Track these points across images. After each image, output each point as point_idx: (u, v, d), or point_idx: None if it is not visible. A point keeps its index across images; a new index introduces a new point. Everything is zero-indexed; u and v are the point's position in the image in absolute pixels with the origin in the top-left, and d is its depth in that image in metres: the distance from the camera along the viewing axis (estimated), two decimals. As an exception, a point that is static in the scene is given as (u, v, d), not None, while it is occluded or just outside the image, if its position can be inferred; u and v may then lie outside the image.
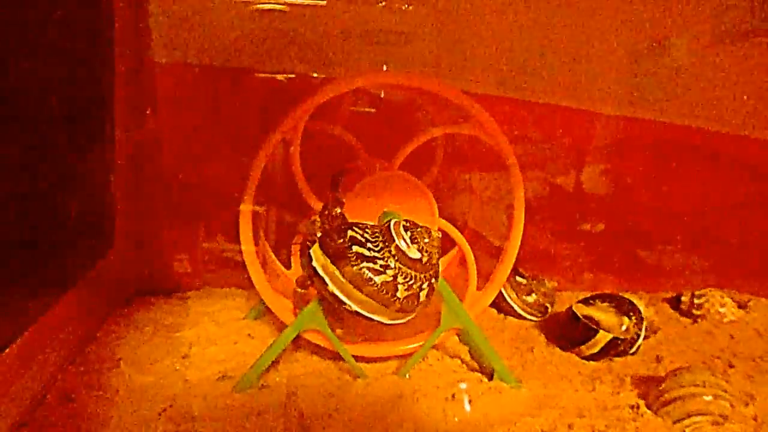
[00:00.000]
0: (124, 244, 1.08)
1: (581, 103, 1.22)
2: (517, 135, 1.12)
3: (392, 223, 0.77)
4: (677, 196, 1.30)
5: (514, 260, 0.97)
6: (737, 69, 1.24)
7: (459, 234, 0.97)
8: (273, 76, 1.11)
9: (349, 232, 0.76)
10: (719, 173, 1.30)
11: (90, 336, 0.95)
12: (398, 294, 0.74)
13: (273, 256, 1.02)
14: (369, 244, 0.75)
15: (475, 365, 0.94)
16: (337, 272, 0.74)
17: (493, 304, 1.15)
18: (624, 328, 0.99)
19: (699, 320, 1.19)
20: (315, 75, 1.12)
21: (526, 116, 1.21)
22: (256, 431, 0.74)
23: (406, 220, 0.78)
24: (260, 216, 1.02)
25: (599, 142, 1.25)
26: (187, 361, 0.90)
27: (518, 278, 1.17)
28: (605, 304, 1.03)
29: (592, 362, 0.99)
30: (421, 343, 0.92)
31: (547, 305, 1.17)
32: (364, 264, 0.74)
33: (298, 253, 0.83)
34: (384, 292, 0.74)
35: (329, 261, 0.74)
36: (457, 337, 1.01)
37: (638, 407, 0.83)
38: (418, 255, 0.76)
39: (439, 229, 0.93)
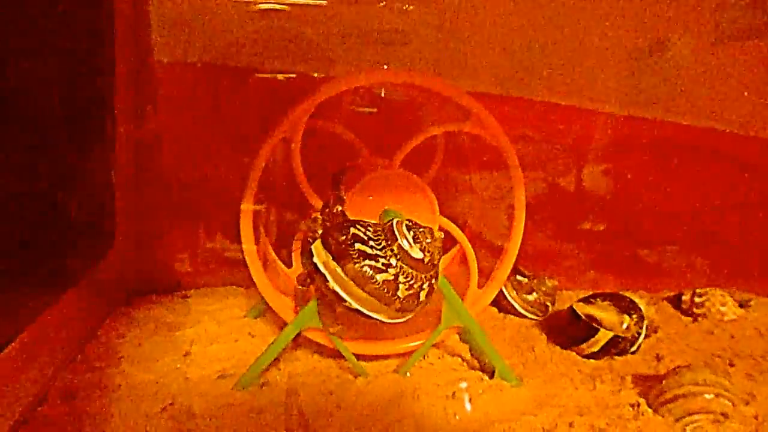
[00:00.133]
0: (124, 243, 1.08)
1: (582, 102, 1.22)
2: (517, 134, 1.12)
3: (395, 222, 0.77)
4: (678, 195, 1.30)
5: (514, 259, 0.97)
6: (738, 68, 1.24)
7: (460, 232, 0.97)
8: (274, 75, 1.12)
9: (352, 230, 0.76)
10: (720, 172, 1.30)
11: (91, 334, 0.95)
12: (399, 293, 0.74)
13: (274, 255, 1.02)
14: (371, 242, 0.75)
15: (476, 363, 0.95)
16: (338, 269, 0.74)
17: (494, 303, 1.15)
18: (625, 326, 0.99)
19: (700, 319, 1.19)
20: (315, 75, 1.12)
21: (527, 115, 1.21)
22: (256, 429, 0.74)
23: (409, 220, 0.79)
24: (261, 215, 1.02)
25: (600, 141, 1.25)
26: (187, 359, 0.90)
27: (519, 277, 1.17)
28: (606, 302, 1.03)
29: (592, 361, 0.99)
30: (421, 342, 0.92)
31: (548, 304, 1.17)
32: (366, 262, 0.74)
33: (299, 251, 0.83)
34: (385, 290, 0.74)
35: (331, 258, 0.74)
36: (457, 336, 1.02)
37: (639, 406, 0.83)
38: (420, 255, 0.76)
39: (440, 228, 0.94)
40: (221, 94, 1.12)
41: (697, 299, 1.21)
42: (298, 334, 0.85)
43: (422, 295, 0.77)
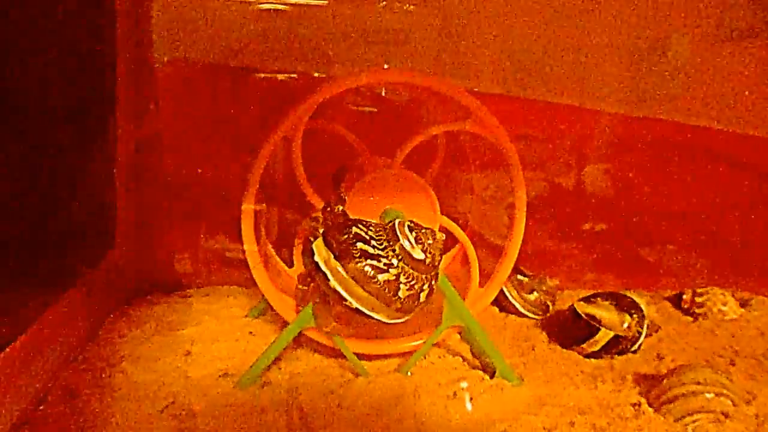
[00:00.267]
0: (125, 243, 1.08)
1: (583, 102, 1.22)
2: (518, 133, 1.12)
3: (397, 222, 0.77)
4: (679, 195, 1.29)
5: (515, 258, 0.97)
6: (740, 67, 1.24)
7: (461, 231, 0.97)
8: (274, 75, 1.12)
9: (354, 229, 0.76)
10: (721, 171, 1.30)
11: (92, 334, 0.95)
12: (400, 293, 0.74)
13: (275, 255, 1.02)
14: (373, 242, 0.75)
15: (477, 363, 0.95)
16: (339, 267, 0.74)
17: (495, 302, 1.15)
18: (626, 326, 0.99)
19: (700, 319, 1.19)
20: (316, 74, 1.12)
21: (528, 114, 1.21)
22: (257, 428, 0.74)
23: (411, 221, 0.79)
24: (262, 214, 1.02)
25: (601, 140, 1.25)
26: (188, 358, 0.90)
27: (520, 276, 1.17)
28: (607, 302, 1.03)
29: (593, 360, 0.99)
30: (422, 341, 0.92)
31: (549, 303, 1.17)
32: (368, 261, 0.74)
33: (301, 250, 0.83)
34: (386, 290, 0.74)
35: (332, 256, 0.74)
36: (458, 335, 1.02)
37: (640, 405, 0.83)
38: (422, 256, 0.76)
39: (441, 227, 0.94)
40: (222, 94, 1.12)
41: (697, 299, 1.21)
42: (300, 334, 0.86)
43: (422, 296, 0.77)
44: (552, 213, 1.27)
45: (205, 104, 1.12)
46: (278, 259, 1.03)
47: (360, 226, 0.77)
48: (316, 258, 0.76)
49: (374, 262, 0.74)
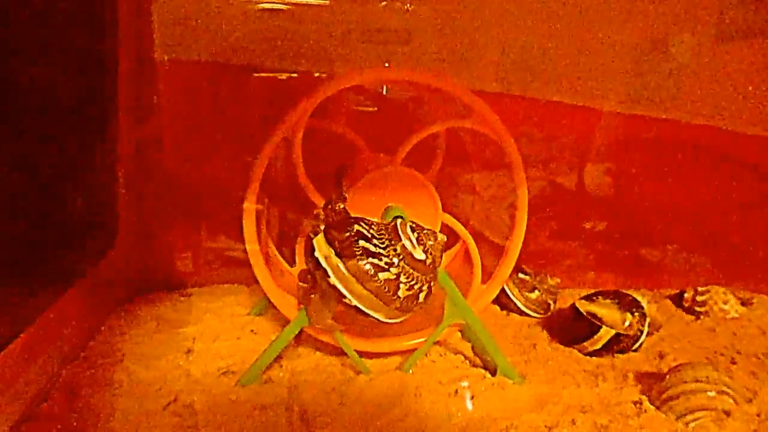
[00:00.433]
0: (127, 241, 1.08)
1: (584, 101, 1.22)
2: (519, 132, 1.12)
3: (399, 222, 0.77)
4: (680, 194, 1.29)
5: (516, 257, 0.97)
6: (741, 67, 1.24)
7: (463, 228, 0.97)
8: (275, 74, 1.12)
9: (356, 227, 0.76)
10: (722, 170, 1.30)
11: (94, 332, 0.95)
12: (399, 293, 0.74)
13: (276, 253, 1.02)
14: (375, 241, 0.75)
15: (478, 361, 0.95)
16: (340, 265, 0.74)
17: (496, 301, 1.15)
18: (627, 324, 0.99)
19: (702, 317, 1.19)
20: (317, 73, 1.12)
21: (529, 113, 1.21)
22: (259, 426, 0.74)
23: (413, 221, 0.79)
24: (263, 213, 1.03)
25: (602, 139, 1.25)
26: (190, 356, 0.91)
27: (521, 275, 1.17)
28: (608, 300, 1.03)
29: (595, 358, 0.99)
30: (424, 339, 0.92)
31: (550, 302, 1.17)
32: (369, 259, 0.74)
33: (302, 249, 0.83)
34: (386, 289, 0.74)
35: (333, 253, 0.74)
36: (459, 334, 1.02)
37: (641, 403, 0.83)
38: (423, 256, 0.76)
39: (443, 224, 0.94)
40: (223, 93, 1.12)
41: (699, 297, 1.21)
42: (301, 332, 0.86)
43: (421, 296, 0.77)
44: (553, 211, 1.27)
45: (206, 103, 1.12)
46: (280, 257, 1.03)
47: (362, 224, 0.77)
48: (317, 254, 0.76)
49: (375, 261, 0.74)
